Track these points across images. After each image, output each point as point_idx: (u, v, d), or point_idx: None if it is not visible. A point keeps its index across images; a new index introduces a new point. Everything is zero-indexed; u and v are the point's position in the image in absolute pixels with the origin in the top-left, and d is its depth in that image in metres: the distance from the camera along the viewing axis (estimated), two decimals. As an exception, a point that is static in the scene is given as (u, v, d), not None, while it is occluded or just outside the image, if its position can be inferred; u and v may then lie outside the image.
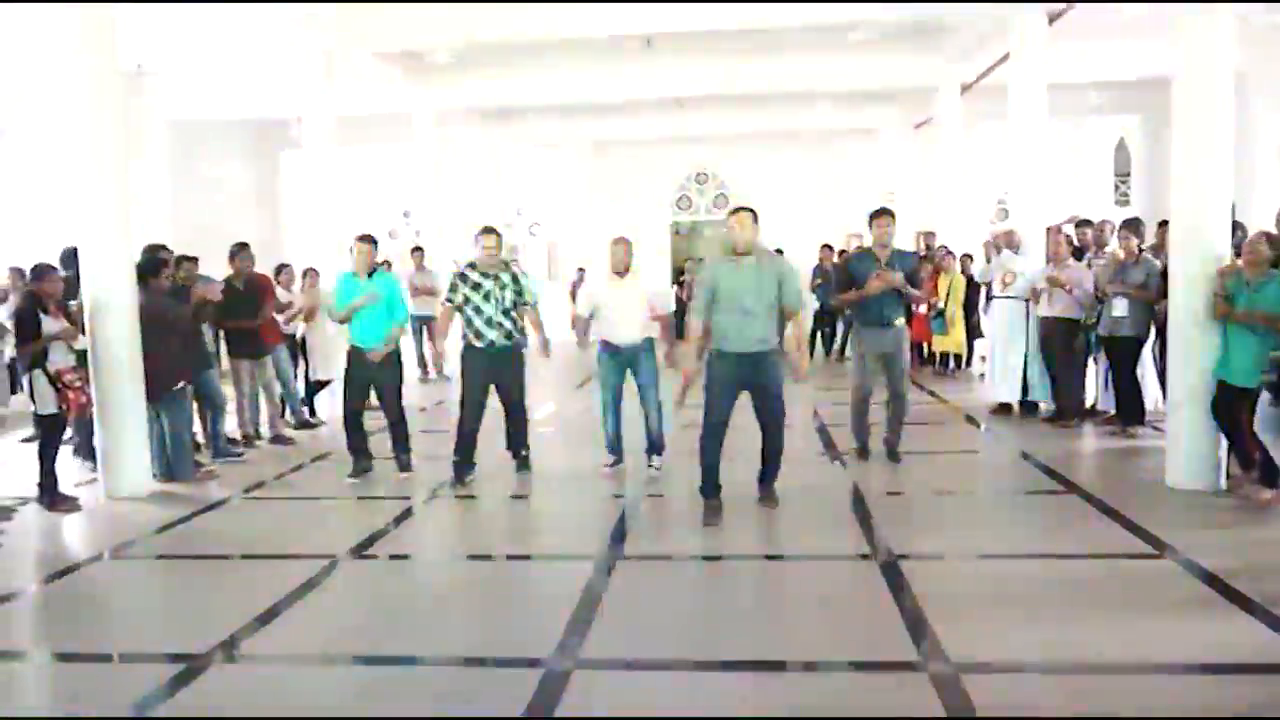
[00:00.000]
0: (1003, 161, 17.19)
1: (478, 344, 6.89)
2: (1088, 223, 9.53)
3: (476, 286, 6.87)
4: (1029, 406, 9.11)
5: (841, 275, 7.53)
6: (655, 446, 7.10)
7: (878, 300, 7.03)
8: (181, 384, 7.28)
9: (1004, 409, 9.23)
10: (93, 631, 4.49)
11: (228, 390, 8.35)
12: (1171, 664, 3.78)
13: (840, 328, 14.52)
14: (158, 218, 13.19)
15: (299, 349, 9.71)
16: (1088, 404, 8.85)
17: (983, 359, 12.40)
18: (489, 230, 7.04)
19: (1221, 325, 5.94)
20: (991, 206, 18.05)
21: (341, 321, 7.31)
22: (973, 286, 12.46)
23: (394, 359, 7.23)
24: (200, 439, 8.06)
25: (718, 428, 5.91)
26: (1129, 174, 17.80)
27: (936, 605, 4.37)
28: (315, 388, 9.84)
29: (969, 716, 3.35)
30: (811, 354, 14.12)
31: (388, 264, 12.81)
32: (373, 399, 7.32)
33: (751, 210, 5.86)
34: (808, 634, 4.20)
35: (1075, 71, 12.12)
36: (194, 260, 8.10)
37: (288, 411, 9.37)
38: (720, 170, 19.53)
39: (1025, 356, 8.99)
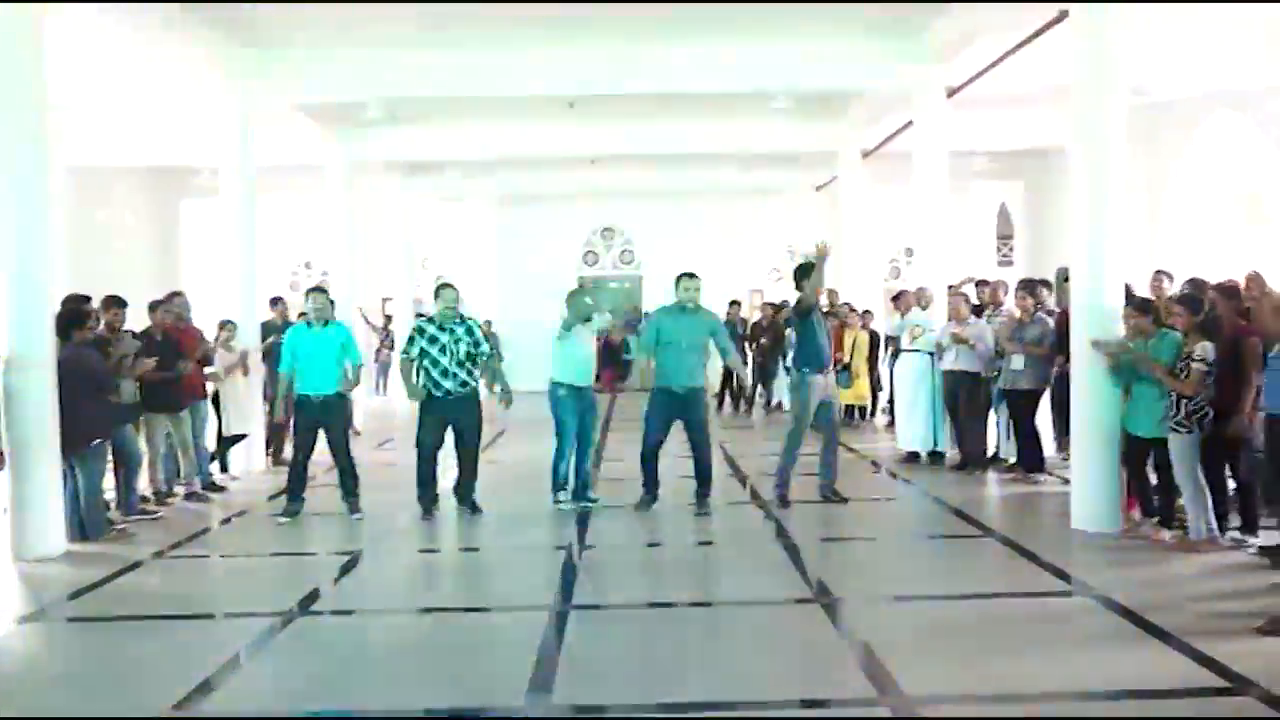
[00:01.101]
0: (897, 223, 18.19)
1: (435, 393, 7.26)
2: (984, 282, 10.15)
3: (433, 340, 7.24)
4: (935, 455, 9.55)
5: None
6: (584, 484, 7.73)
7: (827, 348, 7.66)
8: (99, 440, 7.03)
9: (912, 457, 9.65)
10: (29, 699, 4.29)
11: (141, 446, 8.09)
12: (1106, 691, 4.06)
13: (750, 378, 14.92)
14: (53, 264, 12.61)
15: (213, 403, 9.45)
16: (989, 453, 9.33)
17: (884, 411, 12.96)
18: (447, 285, 7.50)
19: (1124, 381, 6.40)
20: (886, 266, 18.93)
21: (287, 372, 7.47)
22: (875, 341, 13.03)
23: (340, 405, 7.49)
24: (110, 496, 7.75)
25: (656, 449, 7.45)
26: (1010, 236, 18.92)
27: (882, 644, 4.57)
28: (229, 442, 9.58)
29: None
30: (720, 407, 14.46)
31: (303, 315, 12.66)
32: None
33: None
34: (766, 674, 4.35)
35: (966, 140, 12.90)
36: (123, 304, 7.86)
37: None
38: (626, 226, 19.91)
39: (934, 408, 9.44)
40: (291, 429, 7.60)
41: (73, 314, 7.05)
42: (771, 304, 15.77)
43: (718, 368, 14.99)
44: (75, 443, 6.81)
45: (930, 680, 4.15)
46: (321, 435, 7.55)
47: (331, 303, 7.87)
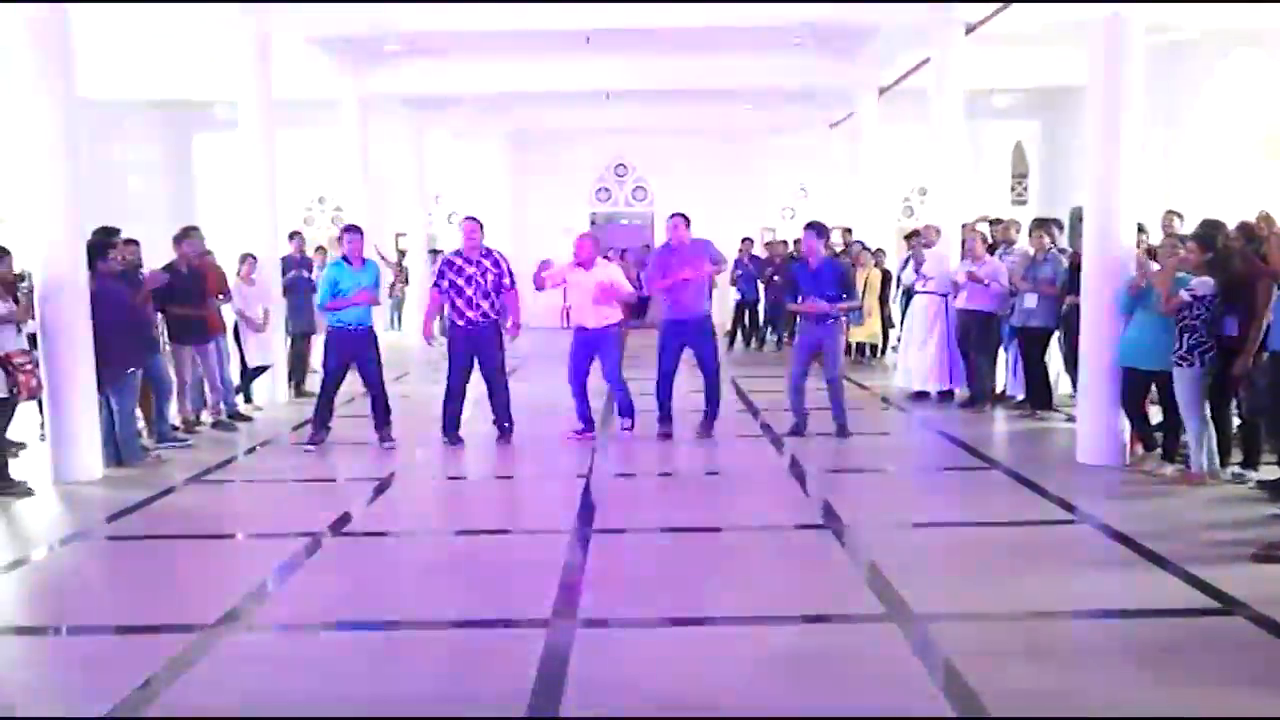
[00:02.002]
0: (913, 162, 18.12)
1: (460, 323, 7.62)
2: (998, 221, 10.22)
3: (460, 271, 7.56)
4: (943, 394, 9.74)
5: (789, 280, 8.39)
6: (624, 411, 8.10)
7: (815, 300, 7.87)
8: (132, 369, 7.26)
9: (920, 395, 9.84)
10: (89, 605, 4.57)
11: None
12: (1105, 609, 4.32)
13: (762, 315, 15.11)
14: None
15: (233, 336, 9.65)
16: (998, 390, 9.51)
17: (893, 349, 13.13)
18: (472, 218, 7.81)
19: (1129, 313, 6.54)
20: (899, 205, 18.93)
21: (329, 309, 7.75)
22: (887, 280, 13.15)
23: (374, 338, 7.82)
24: (142, 424, 8.01)
25: (669, 378, 7.97)
26: (1024, 175, 18.86)
27: (889, 566, 4.80)
28: (253, 374, 9.81)
29: (944, 660, 3.78)
30: (731, 345, 14.66)
31: (322, 250, 12.83)
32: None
33: (686, 216, 7.94)
34: (777, 592, 4.60)
35: (983, 78, 12.84)
36: (135, 243, 8.05)
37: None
38: (639, 163, 19.89)
39: (947, 347, 9.59)
40: (324, 360, 7.88)
41: (100, 244, 7.22)
42: (783, 241, 15.85)
43: (729, 308, 15.28)
44: (110, 372, 7.03)
45: (935, 600, 4.38)
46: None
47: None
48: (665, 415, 8.03)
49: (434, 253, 18.04)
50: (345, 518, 5.90)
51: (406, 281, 17.12)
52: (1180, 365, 6.16)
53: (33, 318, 6.76)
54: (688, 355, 8.00)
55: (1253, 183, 12.89)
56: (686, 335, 7.88)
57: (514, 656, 3.85)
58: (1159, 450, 6.63)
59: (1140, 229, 7.02)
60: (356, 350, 7.74)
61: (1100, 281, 6.76)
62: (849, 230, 14.41)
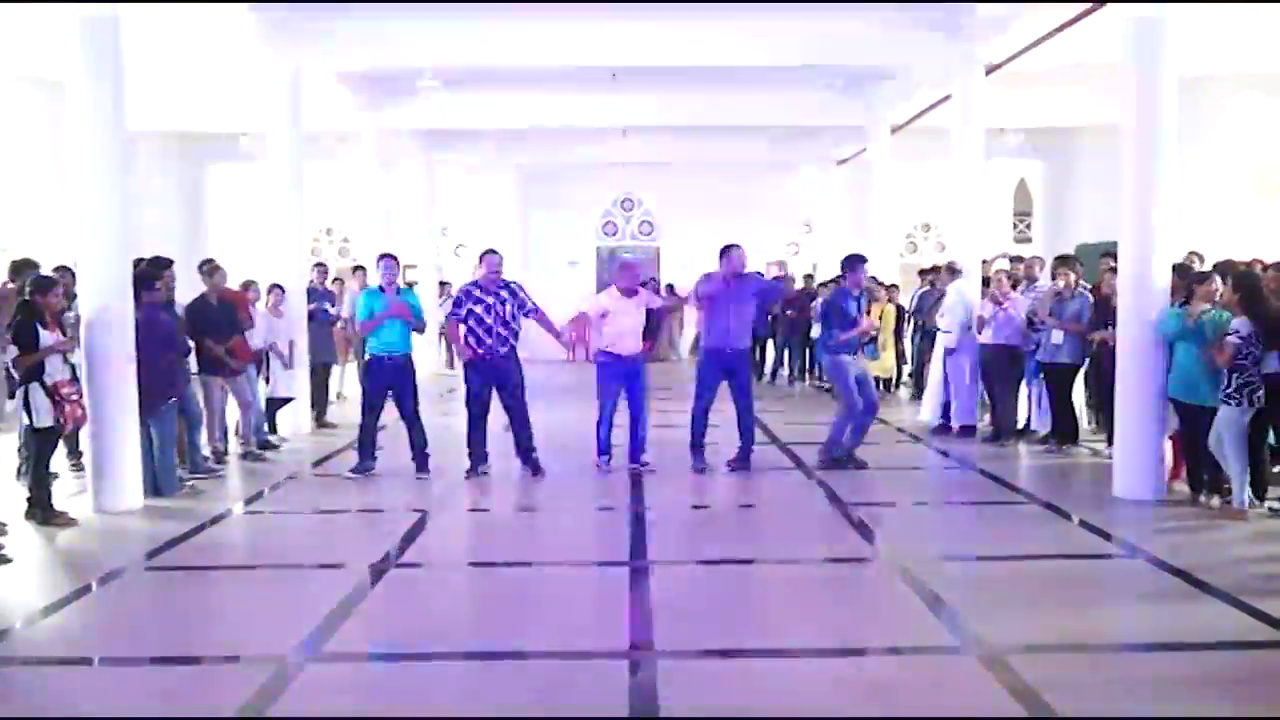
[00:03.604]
0: (918, 198, 18.39)
1: (479, 351, 7.66)
2: (1019, 258, 10.39)
3: (479, 301, 7.62)
4: (964, 428, 9.81)
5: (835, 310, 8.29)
6: (642, 446, 8.06)
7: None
8: (172, 399, 7.26)
9: (942, 429, 9.92)
10: (165, 638, 4.56)
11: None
12: (1173, 642, 4.36)
13: (771, 353, 15.19)
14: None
15: (261, 366, 9.66)
16: (1021, 425, 9.60)
17: (903, 384, 13.25)
18: (493, 251, 7.86)
19: (1171, 340, 6.64)
20: (902, 241, 19.17)
21: (364, 334, 7.88)
22: (900, 314, 13.29)
23: (410, 367, 7.86)
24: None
25: (706, 409, 8.02)
26: (1027, 213, 19.14)
27: (953, 600, 4.85)
28: (277, 405, 9.80)
29: (1031, 691, 3.82)
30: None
31: (339, 281, 12.86)
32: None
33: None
34: (851, 624, 4.63)
35: (994, 118, 13.07)
36: (169, 263, 8.05)
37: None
38: (646, 197, 20.06)
39: (972, 382, 9.69)
40: (364, 387, 7.99)
41: (144, 275, 7.26)
42: (792, 277, 15.99)
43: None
44: (151, 401, 7.04)
45: (1005, 632, 4.41)
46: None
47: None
48: (699, 446, 8.06)
49: (443, 285, 18.14)
50: (397, 549, 5.90)
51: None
52: (1228, 403, 6.26)
53: (78, 346, 6.77)
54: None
55: (1244, 220, 13.15)
56: (728, 366, 7.93)
57: (601, 689, 3.87)
58: (1203, 486, 6.70)
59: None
60: (394, 379, 7.79)
61: (1135, 317, 6.87)
62: (810, 276, 14.64)
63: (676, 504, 7.10)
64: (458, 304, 7.77)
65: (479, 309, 7.63)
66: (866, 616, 4.80)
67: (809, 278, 16.08)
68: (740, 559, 5.76)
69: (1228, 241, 11.15)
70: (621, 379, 7.92)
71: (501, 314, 7.62)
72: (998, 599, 4.98)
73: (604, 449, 8.05)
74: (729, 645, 4.33)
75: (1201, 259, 8.85)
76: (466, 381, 7.79)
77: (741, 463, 8.05)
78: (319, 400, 10.67)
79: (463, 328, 7.71)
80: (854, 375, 8.06)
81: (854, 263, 8.18)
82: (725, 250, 7.97)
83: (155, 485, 7.19)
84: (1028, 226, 19.19)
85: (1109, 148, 14.56)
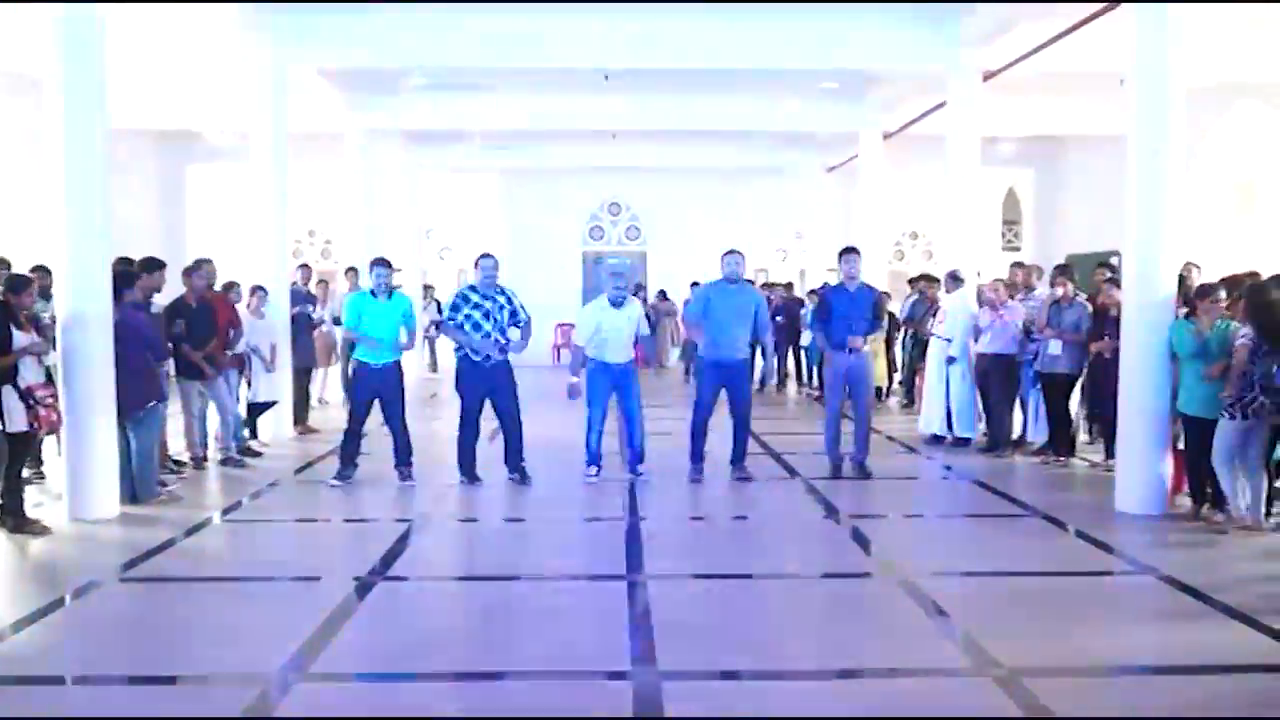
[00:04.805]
0: (906, 206, 18.38)
1: (474, 358, 7.48)
2: (1019, 265, 10.29)
3: (476, 306, 7.49)
4: (960, 438, 9.71)
5: (819, 307, 8.35)
6: (638, 454, 7.90)
7: (845, 328, 7.94)
8: (153, 402, 7.05)
9: (937, 439, 9.82)
10: (141, 655, 4.36)
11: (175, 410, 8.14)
12: (1192, 664, 4.24)
13: (760, 361, 15.08)
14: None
15: (243, 369, 9.45)
16: (1016, 435, 9.51)
17: (893, 393, 13.16)
18: (487, 255, 7.70)
19: (1181, 357, 6.55)
20: (890, 249, 19.12)
21: (352, 341, 7.80)
22: (892, 322, 13.20)
23: (399, 374, 7.67)
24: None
25: (706, 420, 7.86)
26: (1015, 221, 19.15)
27: (961, 617, 4.73)
28: (259, 410, 9.59)
29: (1049, 718, 3.68)
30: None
31: (323, 284, 12.65)
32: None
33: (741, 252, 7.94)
34: (860, 643, 4.49)
35: (986, 126, 13.04)
36: (161, 265, 7.86)
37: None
38: (633, 202, 19.93)
39: (968, 392, 9.60)
40: (350, 394, 7.86)
41: (124, 274, 7.05)
42: (788, 284, 15.94)
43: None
44: (131, 404, 6.83)
45: (1018, 652, 4.27)
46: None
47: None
48: (697, 458, 7.95)
49: (426, 289, 17.95)
50: (384, 561, 5.71)
51: None
52: (1224, 416, 6.17)
53: (54, 349, 6.56)
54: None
55: (1234, 232, 13.17)
56: (727, 378, 7.81)
57: (604, 709, 3.71)
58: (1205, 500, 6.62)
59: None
60: (381, 386, 7.61)
61: (1140, 327, 6.78)
62: (789, 285, 14.56)
63: (671, 515, 6.96)
64: (454, 308, 7.62)
65: (477, 314, 7.50)
66: (872, 634, 4.65)
67: (789, 285, 15.96)
68: (739, 573, 5.60)
69: (1218, 252, 11.16)
70: (612, 387, 7.78)
71: (499, 320, 7.51)
72: (1005, 616, 4.85)
73: (594, 459, 7.88)
74: (732, 665, 4.18)
75: (1199, 269, 8.79)
76: (459, 389, 7.64)
77: (740, 471, 7.93)
78: (301, 405, 10.46)
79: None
80: (841, 375, 8.05)
81: (843, 253, 8.14)
82: (723, 257, 7.91)
83: (133, 492, 6.98)
84: (1016, 235, 19.21)
85: (1100, 157, 14.91)
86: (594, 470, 7.88)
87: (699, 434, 7.93)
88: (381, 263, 7.79)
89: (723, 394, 7.92)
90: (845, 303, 7.98)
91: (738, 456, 7.98)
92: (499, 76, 12.21)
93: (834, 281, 9.53)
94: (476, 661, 4.25)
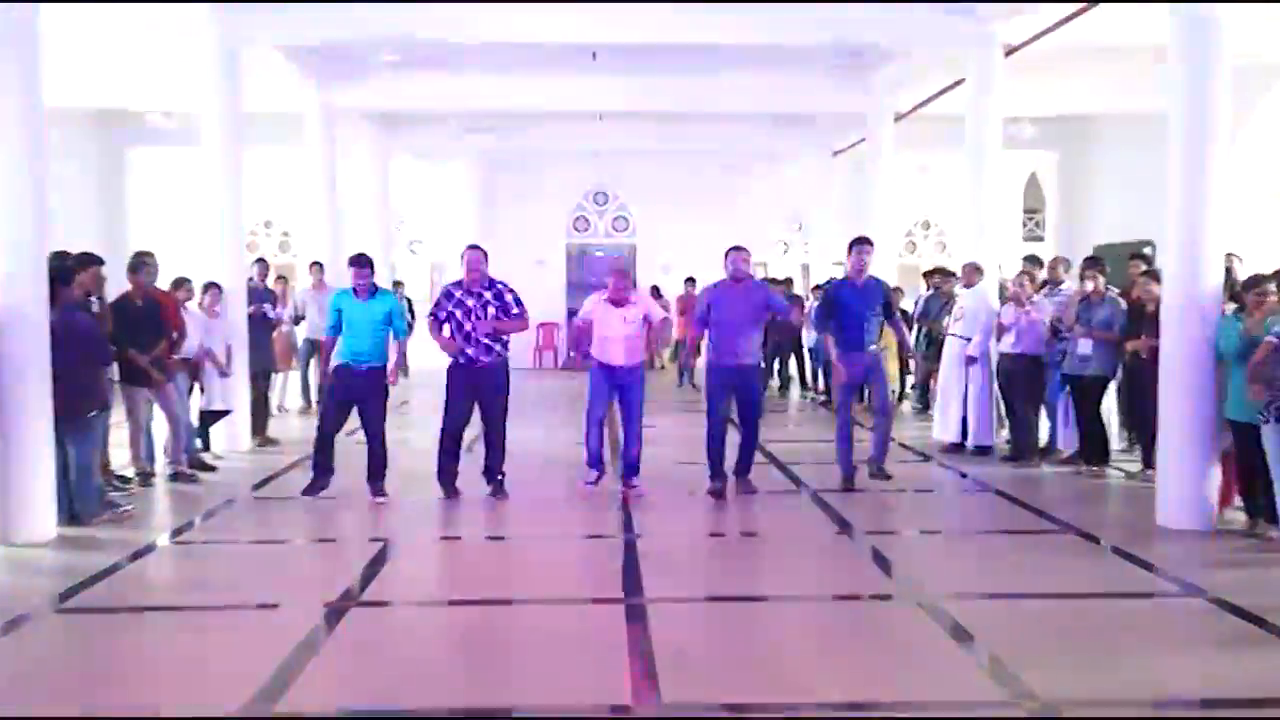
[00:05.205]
0: (916, 195, 18.33)
1: (460, 360, 7.45)
2: (1035, 260, 10.24)
3: (459, 303, 7.45)
4: (980, 447, 9.65)
5: (824, 304, 8.23)
6: (633, 466, 7.85)
7: (856, 326, 7.88)
8: (95, 411, 6.92)
9: (955, 448, 9.76)
10: (80, 695, 4.23)
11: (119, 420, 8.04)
12: (1256, 698, 4.16)
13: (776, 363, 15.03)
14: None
15: (195, 374, 9.30)
16: (1041, 443, 9.45)
17: (905, 397, 13.11)
18: (475, 247, 7.65)
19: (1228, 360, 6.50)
20: (901, 240, 19.09)
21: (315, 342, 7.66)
22: (906, 320, 13.14)
23: (381, 379, 7.60)
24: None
25: (722, 431, 7.73)
26: (1037, 209, 19.14)
27: (996, 645, 4.65)
28: (212, 418, 9.45)
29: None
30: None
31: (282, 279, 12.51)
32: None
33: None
34: (886, 674, 4.40)
35: (1006, 106, 13.00)
36: (100, 261, 7.71)
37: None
38: (621, 190, 19.84)
39: (988, 396, 9.55)
40: (324, 397, 7.84)
41: (60, 270, 6.91)
42: (789, 279, 15.88)
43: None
44: (69, 413, 6.68)
45: (1062, 685, 4.21)
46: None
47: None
48: (717, 473, 7.79)
49: (397, 285, 17.80)
50: (356, 585, 5.61)
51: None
52: (1260, 419, 6.12)
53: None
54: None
55: (1268, 221, 13.14)
56: (736, 385, 7.71)
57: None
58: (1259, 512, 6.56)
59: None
60: (361, 392, 7.53)
61: (1182, 328, 6.73)
62: (789, 281, 14.51)
63: (670, 531, 6.88)
64: (437, 305, 7.63)
65: (459, 312, 7.47)
66: (893, 663, 4.57)
67: (788, 282, 15.87)
68: (747, 595, 5.56)
69: (1260, 242, 11.12)
70: (614, 389, 7.79)
71: (484, 318, 7.42)
72: (1038, 643, 4.78)
73: (594, 461, 7.86)
74: (741, 698, 4.10)
75: (1240, 260, 8.75)
76: (446, 390, 7.60)
77: (745, 485, 7.84)
78: (259, 413, 10.32)
79: (447, 328, 7.55)
80: (857, 377, 8.04)
81: (854, 244, 8.05)
82: (726, 253, 7.79)
83: (72, 511, 6.84)
84: (1038, 225, 19.20)
85: (1131, 139, 14.87)
86: (595, 475, 7.84)
87: (716, 449, 7.77)
88: (361, 262, 7.67)
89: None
90: (854, 298, 7.92)
91: (742, 468, 7.90)
92: (476, 53, 12.07)
93: (839, 276, 9.44)
94: (462, 698, 4.15)
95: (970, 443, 9.64)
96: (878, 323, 8.02)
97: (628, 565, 6.01)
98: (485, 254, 7.65)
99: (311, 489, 7.56)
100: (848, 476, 8.05)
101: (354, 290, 7.60)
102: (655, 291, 17.91)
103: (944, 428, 9.97)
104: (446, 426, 7.59)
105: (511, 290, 7.63)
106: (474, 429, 7.79)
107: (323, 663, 4.52)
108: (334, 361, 7.70)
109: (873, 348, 8.00)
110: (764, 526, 7.16)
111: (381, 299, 7.66)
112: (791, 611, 5.34)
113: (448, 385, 7.60)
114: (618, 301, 7.70)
